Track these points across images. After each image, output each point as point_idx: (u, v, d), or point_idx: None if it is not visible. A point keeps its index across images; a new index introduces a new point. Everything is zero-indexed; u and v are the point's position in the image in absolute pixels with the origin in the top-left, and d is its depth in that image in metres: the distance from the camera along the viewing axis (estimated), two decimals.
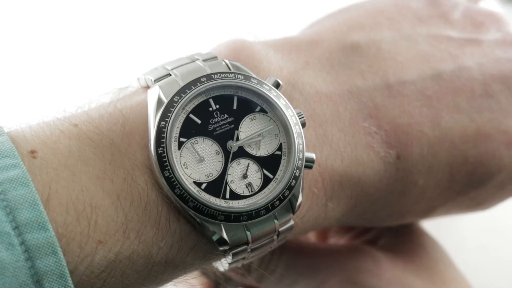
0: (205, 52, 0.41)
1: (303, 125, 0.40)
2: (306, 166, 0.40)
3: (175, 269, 0.38)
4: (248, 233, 0.38)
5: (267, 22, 0.78)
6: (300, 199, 0.39)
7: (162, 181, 0.36)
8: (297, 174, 0.39)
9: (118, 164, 0.36)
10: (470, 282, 0.51)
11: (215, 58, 0.40)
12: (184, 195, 0.36)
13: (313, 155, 0.40)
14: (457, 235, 0.62)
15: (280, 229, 0.39)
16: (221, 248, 0.38)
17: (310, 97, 0.42)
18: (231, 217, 0.37)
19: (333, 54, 0.45)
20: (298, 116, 0.40)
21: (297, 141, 0.39)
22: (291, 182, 0.39)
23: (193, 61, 0.40)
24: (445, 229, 0.57)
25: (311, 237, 0.57)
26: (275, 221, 0.39)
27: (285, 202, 0.39)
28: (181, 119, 0.38)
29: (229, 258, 0.40)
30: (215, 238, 0.37)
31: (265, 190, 0.38)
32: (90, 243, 0.34)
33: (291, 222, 0.40)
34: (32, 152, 0.34)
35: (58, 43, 0.78)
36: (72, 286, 0.32)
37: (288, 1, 0.85)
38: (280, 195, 0.38)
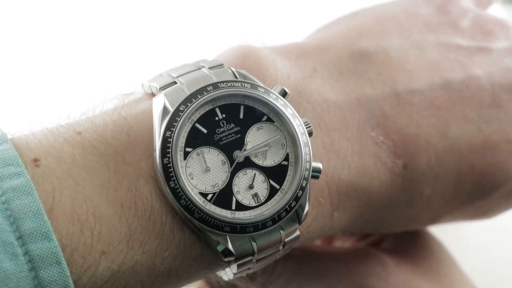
0: (211, 59, 0.41)
1: (310, 134, 0.40)
2: (313, 176, 0.39)
3: (178, 279, 0.38)
4: (254, 244, 0.38)
5: (273, 26, 0.77)
6: (306, 209, 0.39)
7: (167, 191, 0.36)
8: (303, 184, 0.38)
9: (122, 173, 0.35)
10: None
11: (221, 65, 0.40)
12: (189, 206, 0.36)
13: (320, 165, 0.39)
14: (457, 235, 0.62)
15: (286, 240, 0.39)
16: (226, 259, 0.37)
17: (318, 105, 0.42)
18: (237, 229, 0.37)
19: (341, 61, 0.44)
20: (305, 125, 0.39)
21: (304, 151, 0.39)
22: (297, 193, 0.38)
23: (199, 69, 0.39)
24: (446, 229, 0.57)
25: (316, 240, 0.57)
26: (281, 231, 0.38)
27: (291, 213, 0.38)
28: (187, 128, 0.37)
29: (234, 268, 0.40)
30: (220, 249, 0.37)
31: (271, 201, 0.38)
32: (94, 253, 0.33)
33: (297, 233, 0.39)
34: (35, 160, 0.34)
35: (62, 47, 0.78)
36: None
37: (294, 6, 0.84)
38: (287, 206, 0.38)
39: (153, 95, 0.39)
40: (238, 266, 0.38)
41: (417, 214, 0.47)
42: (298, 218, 0.39)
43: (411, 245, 0.52)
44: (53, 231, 0.31)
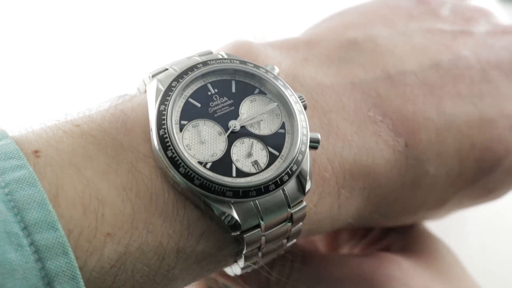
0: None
1: (304, 107, 0.40)
2: (311, 147, 0.39)
3: (187, 260, 0.36)
4: (260, 215, 0.37)
5: (269, 26, 0.79)
6: (309, 181, 0.38)
7: (166, 162, 0.36)
8: (303, 149, 0.38)
9: (121, 158, 0.36)
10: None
11: (210, 52, 0.41)
12: (189, 173, 0.36)
13: (317, 135, 0.39)
14: (458, 234, 0.59)
15: (293, 211, 0.38)
16: (233, 233, 0.36)
17: (312, 88, 0.43)
18: (239, 193, 0.36)
19: (331, 51, 0.45)
20: (299, 98, 0.40)
21: (299, 119, 0.39)
22: (297, 156, 0.38)
23: (190, 58, 0.41)
24: (446, 228, 0.55)
25: (322, 247, 0.55)
26: (287, 204, 0.38)
27: (293, 177, 0.37)
28: (180, 103, 0.38)
29: (241, 262, 0.39)
30: (226, 220, 0.36)
31: (272, 166, 0.38)
32: (99, 236, 0.33)
33: (304, 204, 0.39)
34: (36, 152, 0.34)
35: (60, 46, 0.78)
36: None
37: (290, 4, 0.86)
38: (288, 170, 0.37)
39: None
40: (247, 245, 0.37)
41: (424, 197, 0.46)
42: (302, 188, 0.38)
43: (422, 248, 0.50)
44: (58, 220, 0.31)
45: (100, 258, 0.33)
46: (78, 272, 0.31)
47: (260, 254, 0.39)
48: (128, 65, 0.72)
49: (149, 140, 0.37)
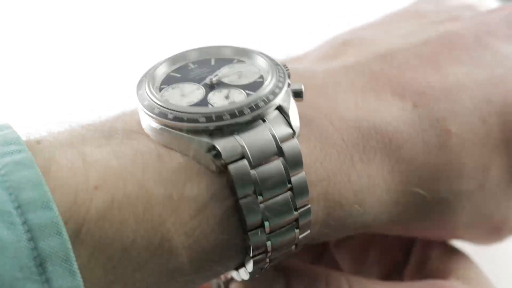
0: None
1: (289, 76, 0.40)
2: (296, 96, 0.38)
3: (176, 206, 0.33)
4: (241, 141, 0.35)
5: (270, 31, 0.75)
6: (296, 119, 0.37)
7: (143, 110, 0.36)
8: (280, 85, 0.37)
9: (114, 136, 0.37)
10: None
11: None
12: (163, 112, 0.36)
13: (300, 86, 0.38)
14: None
15: (282, 146, 0.35)
16: (217, 162, 0.34)
17: (305, 75, 0.43)
18: (212, 117, 0.35)
19: (324, 51, 0.47)
20: (284, 66, 0.40)
21: (277, 69, 0.39)
22: (274, 89, 0.37)
23: None
24: None
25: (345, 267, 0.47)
26: (271, 131, 0.35)
27: (269, 104, 0.36)
28: (161, 76, 0.40)
29: (250, 265, 0.36)
30: (206, 150, 0.34)
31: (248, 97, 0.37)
32: (88, 188, 0.32)
33: (294, 140, 0.36)
34: (37, 141, 0.36)
35: (59, 46, 0.76)
36: (77, 271, 0.29)
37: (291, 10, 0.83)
38: (264, 97, 0.36)
39: None
40: (234, 173, 0.34)
41: (458, 160, 0.41)
42: (287, 122, 0.36)
43: (470, 274, 0.44)
44: (53, 200, 0.31)
45: (88, 211, 0.31)
46: (72, 254, 0.29)
47: (262, 206, 0.35)
48: (126, 63, 0.72)
49: (144, 132, 0.37)
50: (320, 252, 0.49)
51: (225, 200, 0.34)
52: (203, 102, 0.37)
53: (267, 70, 0.39)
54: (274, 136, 0.35)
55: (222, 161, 0.34)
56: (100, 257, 0.31)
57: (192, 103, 0.37)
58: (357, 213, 0.38)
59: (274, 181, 0.35)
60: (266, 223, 0.35)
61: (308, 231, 0.37)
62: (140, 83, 0.39)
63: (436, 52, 0.44)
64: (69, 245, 0.29)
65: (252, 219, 0.34)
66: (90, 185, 0.32)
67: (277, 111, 0.36)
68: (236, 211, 0.34)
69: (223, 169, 0.34)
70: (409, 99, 0.41)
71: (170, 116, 0.35)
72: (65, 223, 0.30)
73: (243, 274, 0.38)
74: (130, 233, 0.31)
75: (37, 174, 0.30)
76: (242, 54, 0.41)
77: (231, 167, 0.34)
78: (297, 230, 0.36)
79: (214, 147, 0.34)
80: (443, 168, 0.40)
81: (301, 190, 0.35)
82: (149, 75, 0.39)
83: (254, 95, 0.36)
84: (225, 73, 0.39)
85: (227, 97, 0.37)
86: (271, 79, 0.38)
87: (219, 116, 0.35)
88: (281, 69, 0.39)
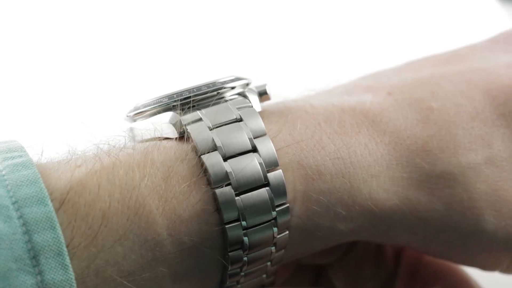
0: None
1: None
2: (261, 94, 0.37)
3: (147, 174, 0.34)
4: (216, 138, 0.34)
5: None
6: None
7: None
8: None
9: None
10: None
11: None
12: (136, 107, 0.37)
13: (264, 85, 0.38)
14: None
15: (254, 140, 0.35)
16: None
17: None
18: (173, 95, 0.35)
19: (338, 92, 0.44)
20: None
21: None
22: (232, 79, 0.36)
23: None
24: None
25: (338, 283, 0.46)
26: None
27: (230, 79, 0.36)
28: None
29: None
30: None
31: None
32: (70, 165, 0.34)
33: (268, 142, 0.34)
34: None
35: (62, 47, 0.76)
36: (69, 265, 0.31)
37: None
38: (222, 80, 0.36)
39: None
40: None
41: (445, 132, 0.38)
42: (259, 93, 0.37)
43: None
44: (48, 196, 0.32)
45: (71, 180, 0.33)
46: (65, 249, 0.31)
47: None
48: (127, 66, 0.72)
49: None
50: (316, 275, 0.47)
51: (190, 160, 0.35)
52: None
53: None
54: (238, 117, 0.35)
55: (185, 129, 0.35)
56: (82, 225, 0.32)
57: None
58: (343, 187, 0.35)
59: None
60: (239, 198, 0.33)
61: (287, 232, 0.35)
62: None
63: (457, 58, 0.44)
64: (62, 240, 0.31)
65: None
66: (73, 165, 0.34)
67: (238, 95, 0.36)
68: (204, 173, 0.33)
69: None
70: (382, 91, 0.40)
71: (140, 105, 0.36)
72: (50, 194, 0.32)
73: None
74: (107, 198, 0.33)
75: (35, 173, 0.32)
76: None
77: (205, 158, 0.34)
78: (275, 229, 0.34)
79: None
80: (432, 139, 0.38)
81: (278, 188, 0.34)
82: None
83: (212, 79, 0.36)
84: None
85: None
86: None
87: (180, 93, 0.35)
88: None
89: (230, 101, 0.35)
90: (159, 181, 0.34)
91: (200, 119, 0.34)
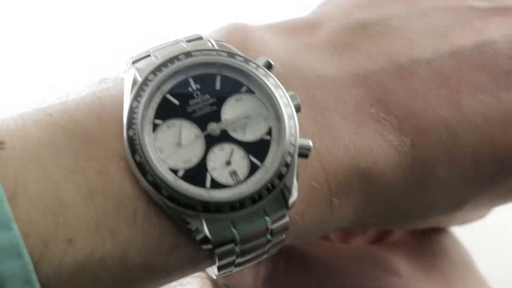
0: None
1: (298, 109, 0.36)
2: (301, 154, 0.35)
3: (156, 273, 0.34)
4: (234, 230, 0.33)
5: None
6: (295, 193, 0.34)
7: (134, 168, 0.32)
8: (288, 161, 0.34)
9: (91, 155, 0.33)
10: None
11: (200, 38, 0.37)
12: (157, 182, 0.32)
13: (308, 142, 0.35)
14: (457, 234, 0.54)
15: (273, 227, 0.34)
16: (204, 247, 0.33)
17: (310, 82, 0.38)
18: (210, 208, 0.33)
19: (337, 35, 0.40)
20: (291, 98, 0.35)
21: (288, 124, 0.34)
22: (281, 169, 0.34)
23: (177, 43, 0.37)
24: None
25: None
26: (266, 218, 0.34)
27: (274, 192, 0.34)
28: (156, 99, 0.34)
29: (215, 269, 0.36)
30: (197, 236, 0.33)
31: (252, 178, 0.34)
32: (59, 242, 0.30)
33: (286, 219, 0.35)
34: (1, 143, 0.31)
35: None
36: None
37: None
38: (268, 184, 0.33)
39: None
40: (219, 257, 0.34)
41: (434, 202, 0.41)
42: (285, 202, 0.34)
43: (428, 245, 0.46)
44: (14, 220, 0.28)
45: (59, 266, 0.30)
46: (34, 276, 0.28)
47: (234, 266, 0.36)
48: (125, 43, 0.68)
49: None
50: None
51: (206, 262, 0.35)
52: (201, 165, 0.33)
53: (275, 118, 0.35)
54: (268, 222, 0.34)
55: (210, 245, 0.33)
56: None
57: (189, 164, 0.33)
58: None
59: (255, 249, 0.35)
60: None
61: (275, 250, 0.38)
62: (132, 112, 0.33)
63: (461, 74, 0.40)
64: (31, 267, 0.29)
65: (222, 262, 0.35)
66: (63, 237, 0.30)
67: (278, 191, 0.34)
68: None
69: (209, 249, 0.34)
70: (410, 136, 0.39)
71: (165, 193, 0.32)
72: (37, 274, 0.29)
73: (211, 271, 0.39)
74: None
75: None
76: (253, 82, 0.35)
77: (218, 251, 0.34)
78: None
79: (202, 232, 0.33)
80: (416, 207, 0.41)
81: (277, 243, 0.36)
82: (145, 101, 0.33)
83: (260, 181, 0.33)
84: (230, 120, 0.34)
85: (228, 163, 0.34)
86: (280, 145, 0.34)
87: (218, 207, 0.33)
88: (291, 111, 0.35)
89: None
90: (161, 279, 0.34)
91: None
